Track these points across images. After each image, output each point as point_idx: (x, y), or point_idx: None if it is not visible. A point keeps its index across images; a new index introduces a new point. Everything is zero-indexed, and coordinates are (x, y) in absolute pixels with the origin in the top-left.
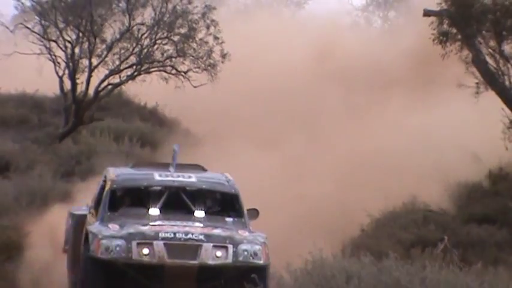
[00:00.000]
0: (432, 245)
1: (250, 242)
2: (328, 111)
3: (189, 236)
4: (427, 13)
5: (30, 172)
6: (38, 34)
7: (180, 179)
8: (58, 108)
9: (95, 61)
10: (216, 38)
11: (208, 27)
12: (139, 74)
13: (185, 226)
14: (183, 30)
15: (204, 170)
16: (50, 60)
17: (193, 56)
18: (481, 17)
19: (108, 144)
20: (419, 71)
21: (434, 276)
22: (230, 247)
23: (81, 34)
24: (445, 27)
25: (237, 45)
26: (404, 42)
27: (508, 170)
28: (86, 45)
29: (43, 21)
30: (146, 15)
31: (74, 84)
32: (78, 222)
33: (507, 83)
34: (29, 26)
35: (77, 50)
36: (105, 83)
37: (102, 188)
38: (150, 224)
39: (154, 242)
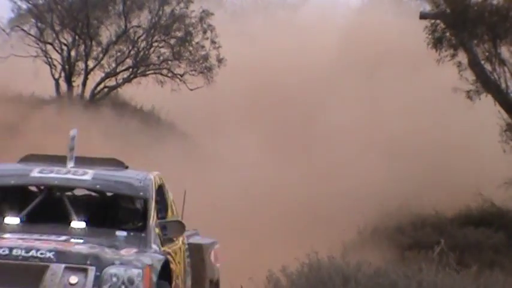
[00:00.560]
0: (429, 248)
1: (125, 263)
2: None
3: (32, 253)
4: (423, 16)
5: None
6: (34, 37)
7: (68, 176)
8: None
9: (91, 64)
10: (213, 42)
11: (205, 32)
12: (136, 77)
13: (36, 240)
14: (179, 34)
15: (123, 166)
16: (46, 63)
17: (189, 59)
18: (477, 20)
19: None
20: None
21: (431, 279)
22: (91, 270)
23: (77, 37)
24: (440, 31)
25: (234, 47)
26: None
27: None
28: (82, 47)
29: (39, 24)
30: (143, 17)
31: (70, 87)
32: None
33: (503, 86)
34: (25, 28)
35: (73, 53)
36: (102, 86)
37: None
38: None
39: None
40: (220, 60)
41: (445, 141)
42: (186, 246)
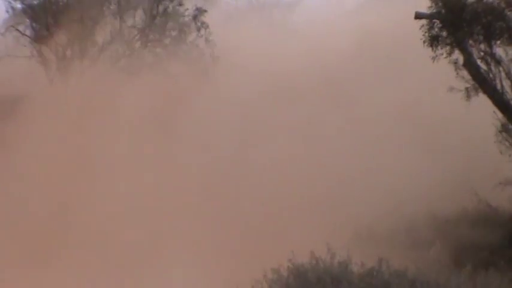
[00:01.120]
0: (424, 248)
1: None
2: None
3: None
4: (418, 16)
5: None
6: (29, 37)
7: None
8: None
9: (86, 64)
10: (207, 40)
11: (199, 30)
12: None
13: None
14: (173, 33)
15: None
16: (41, 63)
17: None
18: (473, 19)
19: None
20: None
21: (425, 279)
22: None
23: (72, 37)
24: (436, 30)
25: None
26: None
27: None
28: (77, 48)
29: (34, 24)
30: (137, 17)
31: (65, 87)
32: None
33: (498, 86)
34: (20, 29)
35: (68, 53)
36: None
37: None
38: None
39: None
40: (214, 59)
41: (441, 140)
42: None
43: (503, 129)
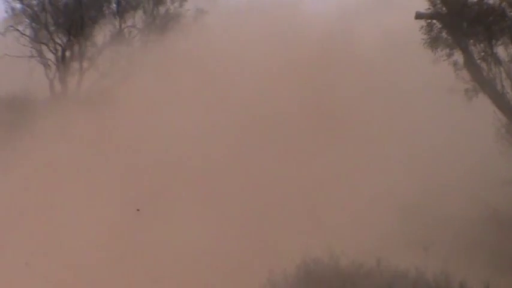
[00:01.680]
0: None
1: None
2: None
3: None
4: (419, 16)
5: None
6: (29, 37)
7: None
8: None
9: (85, 64)
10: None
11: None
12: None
13: None
14: (173, 33)
15: None
16: (41, 63)
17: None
18: (473, 20)
19: None
20: None
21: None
22: None
23: (71, 37)
24: (436, 31)
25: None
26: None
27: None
28: (76, 48)
29: (34, 24)
30: (137, 17)
31: (65, 87)
32: None
33: (499, 86)
34: (20, 29)
35: (67, 53)
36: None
37: None
38: None
39: None
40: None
41: (440, 141)
42: None
43: (504, 129)
